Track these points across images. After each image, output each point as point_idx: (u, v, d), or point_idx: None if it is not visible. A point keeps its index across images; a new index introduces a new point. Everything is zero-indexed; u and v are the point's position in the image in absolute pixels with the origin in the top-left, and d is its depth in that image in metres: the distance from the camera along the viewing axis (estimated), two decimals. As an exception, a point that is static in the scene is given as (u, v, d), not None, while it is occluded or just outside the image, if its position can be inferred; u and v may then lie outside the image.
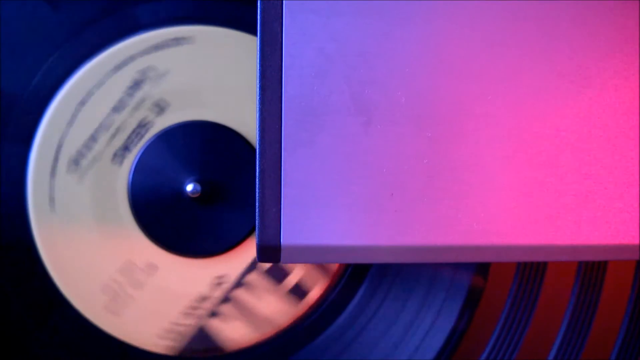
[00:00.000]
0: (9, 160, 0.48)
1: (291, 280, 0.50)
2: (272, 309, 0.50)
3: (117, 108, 0.48)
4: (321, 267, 0.50)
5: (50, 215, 0.48)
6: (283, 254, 0.40)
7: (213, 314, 0.49)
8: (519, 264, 0.50)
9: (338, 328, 0.51)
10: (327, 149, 0.39)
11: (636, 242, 0.41)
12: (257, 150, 0.39)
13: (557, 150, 0.40)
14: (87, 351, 0.50)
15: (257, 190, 0.39)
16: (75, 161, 0.48)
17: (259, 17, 0.39)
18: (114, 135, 0.48)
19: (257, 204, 0.39)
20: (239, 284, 0.49)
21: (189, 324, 0.49)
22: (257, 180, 0.39)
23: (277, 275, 0.50)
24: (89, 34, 0.48)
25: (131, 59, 0.48)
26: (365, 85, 0.39)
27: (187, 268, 0.49)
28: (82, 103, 0.48)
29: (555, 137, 0.40)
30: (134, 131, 0.48)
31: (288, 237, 0.39)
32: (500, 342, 0.51)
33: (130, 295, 0.49)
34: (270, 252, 0.40)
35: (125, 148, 0.48)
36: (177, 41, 0.48)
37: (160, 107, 0.48)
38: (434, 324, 0.51)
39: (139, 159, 0.48)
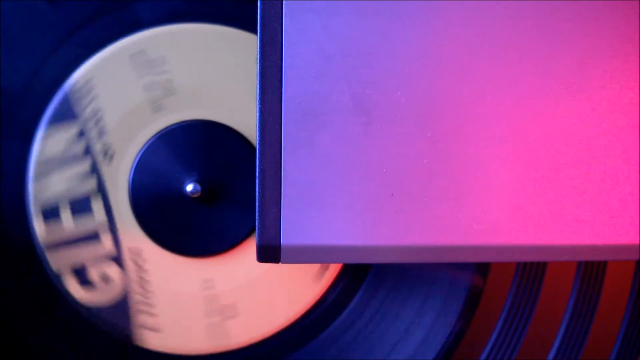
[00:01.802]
0: (9, 159, 0.48)
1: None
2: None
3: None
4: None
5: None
6: (283, 254, 0.40)
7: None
8: (519, 264, 0.50)
9: (338, 328, 0.51)
10: (327, 149, 0.39)
11: (636, 242, 0.41)
12: (257, 150, 0.39)
13: (557, 150, 0.40)
14: (87, 349, 0.50)
15: (257, 190, 0.39)
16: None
17: (259, 17, 0.39)
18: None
19: (257, 204, 0.39)
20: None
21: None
22: (257, 180, 0.39)
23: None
24: (88, 31, 0.48)
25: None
26: (365, 85, 0.39)
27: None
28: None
29: (555, 137, 0.40)
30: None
31: (288, 237, 0.39)
32: (500, 342, 0.51)
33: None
34: (270, 252, 0.40)
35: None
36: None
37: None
38: (434, 324, 0.51)
39: (139, 159, 0.48)
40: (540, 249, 0.40)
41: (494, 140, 0.40)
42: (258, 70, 0.39)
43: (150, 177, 0.48)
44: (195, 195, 0.47)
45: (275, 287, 0.49)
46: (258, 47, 0.39)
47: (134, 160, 0.48)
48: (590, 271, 0.51)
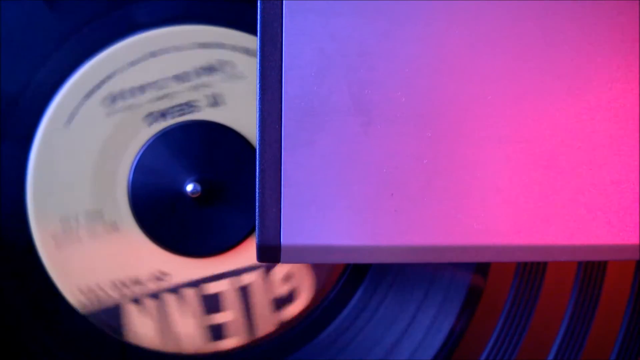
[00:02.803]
0: (9, 160, 0.48)
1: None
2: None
3: (179, 77, 0.48)
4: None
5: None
6: (283, 254, 0.40)
7: (136, 300, 0.49)
8: (519, 264, 0.50)
9: (337, 328, 0.51)
10: (327, 149, 0.39)
11: (636, 242, 0.41)
12: (257, 150, 0.39)
13: (557, 150, 0.40)
14: (86, 350, 0.50)
15: (257, 190, 0.39)
16: (113, 99, 0.48)
17: (259, 17, 0.39)
18: (160, 98, 0.48)
19: (257, 204, 0.39)
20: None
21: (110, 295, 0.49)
22: (257, 180, 0.39)
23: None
24: (87, 33, 0.48)
25: (219, 45, 0.48)
26: (365, 85, 0.39)
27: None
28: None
29: (555, 137, 0.40)
30: (180, 105, 0.48)
31: (288, 237, 0.39)
32: (500, 342, 0.51)
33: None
34: (270, 252, 0.40)
35: (162, 115, 0.48)
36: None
37: (215, 100, 0.48)
38: (433, 324, 0.51)
39: (139, 159, 0.48)
40: (540, 249, 0.40)
41: (494, 140, 0.40)
42: (258, 70, 0.39)
43: (150, 177, 0.48)
44: (195, 195, 0.47)
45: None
46: (258, 47, 0.39)
47: (134, 160, 0.48)
48: (590, 271, 0.51)
